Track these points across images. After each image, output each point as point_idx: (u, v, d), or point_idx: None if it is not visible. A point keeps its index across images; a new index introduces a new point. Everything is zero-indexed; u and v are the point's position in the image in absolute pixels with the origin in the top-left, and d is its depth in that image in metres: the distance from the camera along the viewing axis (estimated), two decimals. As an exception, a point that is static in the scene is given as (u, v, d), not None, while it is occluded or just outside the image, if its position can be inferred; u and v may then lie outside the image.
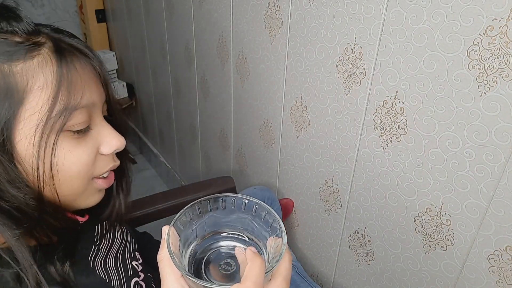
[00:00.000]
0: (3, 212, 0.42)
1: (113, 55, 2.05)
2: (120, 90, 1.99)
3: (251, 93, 1.06)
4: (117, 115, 0.52)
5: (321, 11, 0.76)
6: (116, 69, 2.11)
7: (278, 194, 1.07)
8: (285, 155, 1.00)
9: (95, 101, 0.46)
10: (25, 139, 0.42)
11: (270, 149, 1.05)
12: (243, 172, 1.22)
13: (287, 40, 0.87)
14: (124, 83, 2.01)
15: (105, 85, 0.48)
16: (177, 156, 1.75)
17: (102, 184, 0.50)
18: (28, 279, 0.41)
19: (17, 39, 0.42)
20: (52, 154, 0.43)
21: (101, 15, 2.06)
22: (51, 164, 0.43)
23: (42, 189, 0.44)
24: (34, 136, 0.42)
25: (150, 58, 1.70)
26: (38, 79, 0.42)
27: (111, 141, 0.48)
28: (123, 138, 0.49)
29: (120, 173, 0.56)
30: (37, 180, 0.43)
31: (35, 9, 2.06)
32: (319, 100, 0.83)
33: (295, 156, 0.96)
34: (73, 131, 0.44)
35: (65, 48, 0.44)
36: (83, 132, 0.46)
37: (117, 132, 0.49)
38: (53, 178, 0.44)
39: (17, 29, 0.42)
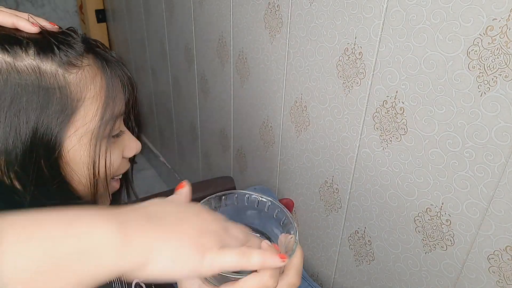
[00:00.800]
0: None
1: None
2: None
3: (251, 93, 1.06)
4: (139, 121, 0.56)
5: (321, 11, 0.76)
6: (116, 69, 2.11)
7: (278, 194, 1.07)
8: (285, 155, 1.00)
9: (124, 109, 0.49)
10: (78, 147, 0.44)
11: (270, 149, 1.05)
12: (243, 172, 1.22)
13: (287, 40, 0.87)
14: (124, 83, 2.01)
15: (132, 94, 0.51)
16: (177, 156, 1.75)
17: (116, 186, 0.53)
18: None
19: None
20: (106, 158, 0.46)
21: (101, 15, 2.07)
22: (105, 168, 0.46)
23: (95, 190, 0.47)
24: (90, 144, 0.44)
25: (150, 58, 1.70)
26: (90, 90, 0.44)
27: (133, 145, 0.52)
28: (140, 143, 0.53)
29: (124, 173, 0.58)
30: (92, 182, 0.46)
31: (35, 9, 2.06)
32: (319, 100, 0.83)
33: (295, 156, 0.96)
34: (113, 135, 0.48)
35: (105, 59, 0.47)
36: (117, 136, 0.49)
37: (135, 137, 0.53)
38: (106, 179, 0.47)
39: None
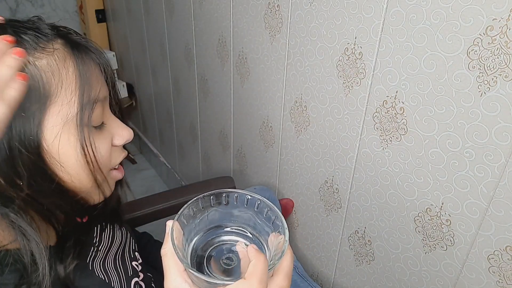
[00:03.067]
0: (31, 209, 0.43)
1: (113, 55, 2.06)
2: (120, 90, 1.99)
3: (251, 93, 1.06)
4: (121, 108, 0.54)
5: (321, 11, 0.76)
6: (116, 69, 2.11)
7: (278, 194, 1.07)
8: (285, 155, 1.00)
9: (105, 95, 0.48)
10: (60, 137, 0.42)
11: (270, 149, 1.05)
12: (243, 172, 1.22)
13: (287, 40, 0.87)
14: (124, 83, 2.01)
15: (110, 79, 0.49)
16: (177, 156, 1.75)
17: (117, 175, 0.52)
18: (38, 279, 0.42)
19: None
20: (92, 146, 0.45)
21: (101, 15, 2.06)
22: (94, 155, 0.45)
23: (94, 180, 0.46)
24: (71, 132, 0.43)
25: (150, 58, 1.70)
26: (61, 74, 0.42)
27: (122, 132, 0.50)
28: (131, 130, 0.51)
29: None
30: (87, 171, 0.45)
31: (35, 9, 2.06)
32: (319, 100, 0.83)
33: (295, 156, 0.96)
34: (94, 126, 0.46)
35: (76, 44, 0.45)
36: (100, 127, 0.47)
37: (125, 125, 0.51)
38: (100, 169, 0.46)
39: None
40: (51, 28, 0.44)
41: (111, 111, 0.51)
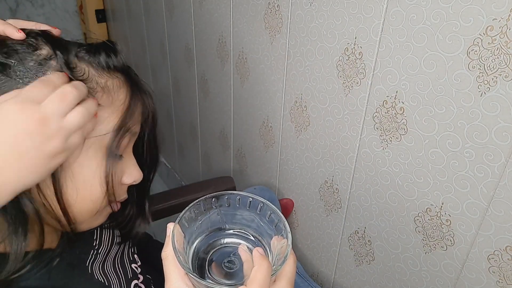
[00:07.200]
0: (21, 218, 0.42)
1: (113, 55, 2.05)
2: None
3: (251, 93, 1.06)
4: (155, 151, 0.55)
5: (321, 11, 0.76)
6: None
7: (278, 194, 1.07)
8: (285, 155, 1.00)
9: (137, 131, 0.49)
10: (89, 150, 0.43)
11: (270, 149, 1.05)
12: (243, 172, 1.22)
13: (287, 40, 0.87)
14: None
15: (154, 124, 0.52)
16: (177, 156, 1.75)
17: (114, 206, 0.51)
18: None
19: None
20: (113, 170, 0.45)
21: (101, 15, 2.06)
22: (112, 178, 0.45)
23: (108, 201, 0.46)
24: (99, 153, 0.44)
25: (150, 58, 1.70)
26: (113, 96, 0.45)
27: (133, 172, 0.50)
28: (142, 173, 0.51)
29: (142, 193, 0.57)
30: (106, 192, 0.45)
31: (35, 9, 2.06)
32: (319, 100, 0.83)
33: (295, 156, 0.96)
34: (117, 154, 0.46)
35: (136, 83, 0.49)
36: (119, 157, 0.48)
37: (137, 166, 0.51)
38: (114, 193, 0.46)
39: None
40: (123, 61, 0.48)
41: (143, 157, 0.53)
